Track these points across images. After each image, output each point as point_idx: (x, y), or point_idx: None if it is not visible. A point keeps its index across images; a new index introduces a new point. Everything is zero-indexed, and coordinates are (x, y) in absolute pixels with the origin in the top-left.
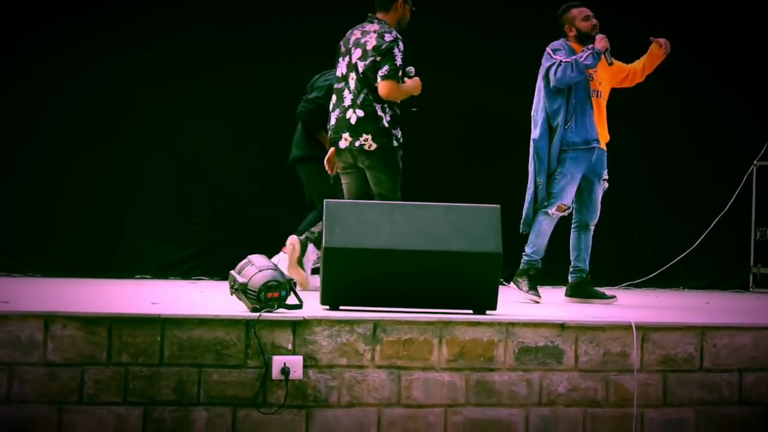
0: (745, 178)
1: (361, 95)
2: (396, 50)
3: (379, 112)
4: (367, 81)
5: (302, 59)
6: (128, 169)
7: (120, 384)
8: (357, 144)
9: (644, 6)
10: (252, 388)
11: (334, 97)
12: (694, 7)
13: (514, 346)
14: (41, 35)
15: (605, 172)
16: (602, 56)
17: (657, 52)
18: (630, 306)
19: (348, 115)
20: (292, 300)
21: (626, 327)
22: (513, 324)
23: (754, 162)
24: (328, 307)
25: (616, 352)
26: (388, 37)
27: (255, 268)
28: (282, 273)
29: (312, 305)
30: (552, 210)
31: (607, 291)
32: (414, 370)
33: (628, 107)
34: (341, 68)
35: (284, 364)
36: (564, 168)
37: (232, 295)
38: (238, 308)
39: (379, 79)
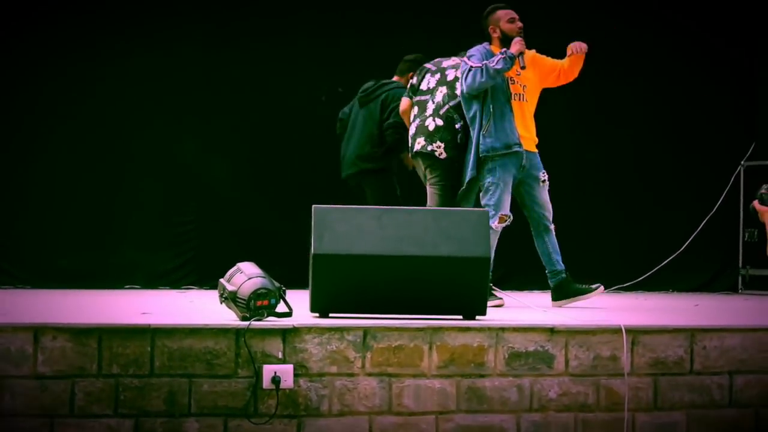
0: (732, 178)
1: (445, 107)
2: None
3: (457, 127)
4: (455, 97)
5: (295, 63)
6: (116, 178)
7: (111, 395)
8: (429, 148)
9: (635, 6)
10: (243, 397)
11: (416, 109)
12: (684, 6)
13: (504, 352)
14: (26, 39)
15: (541, 172)
16: (516, 60)
17: (574, 58)
18: (619, 309)
19: (427, 123)
20: (281, 308)
21: (616, 330)
22: (503, 329)
23: (742, 162)
24: (317, 314)
25: (606, 356)
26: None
27: (244, 276)
28: (272, 281)
29: (302, 313)
30: (495, 224)
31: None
32: (405, 378)
33: (615, 108)
34: (428, 83)
35: (275, 373)
36: (494, 177)
37: (221, 303)
38: (228, 317)
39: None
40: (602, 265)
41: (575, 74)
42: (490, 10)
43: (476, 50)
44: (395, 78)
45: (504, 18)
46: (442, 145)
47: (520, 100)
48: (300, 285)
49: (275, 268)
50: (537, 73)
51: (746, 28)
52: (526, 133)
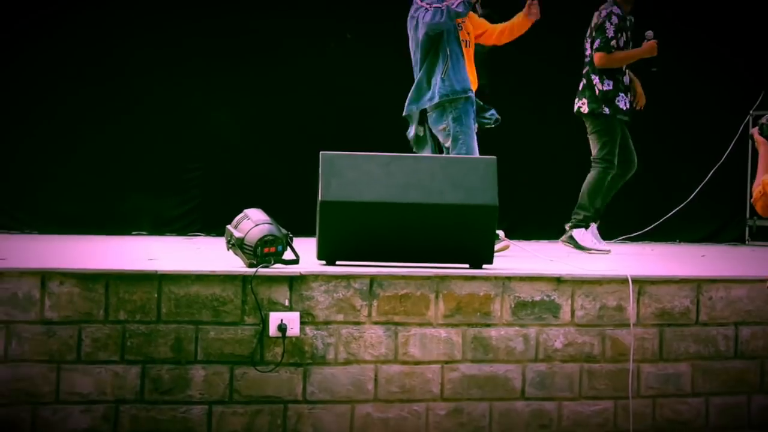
0: (741, 128)
1: (586, 67)
2: (608, 24)
3: (595, 81)
4: (588, 55)
5: (303, 10)
6: (123, 125)
7: (117, 342)
8: (575, 107)
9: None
10: (249, 345)
11: None
12: None
13: (510, 301)
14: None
15: (489, 113)
16: (474, 6)
17: (523, 21)
18: (626, 259)
19: (579, 84)
20: (289, 255)
21: (622, 280)
22: (509, 278)
23: (750, 112)
24: (324, 262)
25: (612, 306)
26: (603, 12)
27: (251, 223)
28: (279, 227)
29: (309, 260)
30: None
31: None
32: (411, 326)
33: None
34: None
35: (281, 320)
36: (461, 125)
37: (228, 250)
38: (234, 264)
39: (592, 52)
40: (610, 215)
41: (504, 41)
42: None
43: None
44: None
45: None
46: (585, 102)
47: (466, 46)
48: (307, 232)
49: (282, 215)
50: (473, 24)
51: None
52: (472, 77)
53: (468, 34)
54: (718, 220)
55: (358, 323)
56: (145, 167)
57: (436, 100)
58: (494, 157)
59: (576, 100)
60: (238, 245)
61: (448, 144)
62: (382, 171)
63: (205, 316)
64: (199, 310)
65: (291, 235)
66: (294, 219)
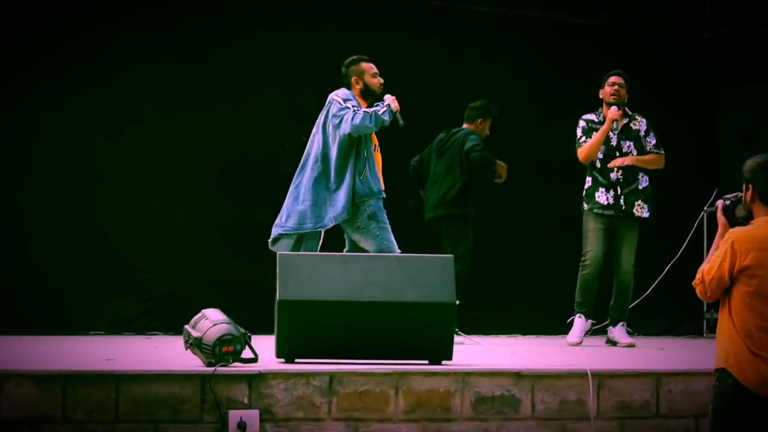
0: (696, 223)
1: None
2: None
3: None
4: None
5: (259, 110)
6: (79, 223)
7: None
8: None
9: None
10: None
11: None
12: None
13: (470, 396)
14: None
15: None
16: (395, 116)
17: None
18: (585, 353)
19: None
20: (247, 353)
21: (582, 374)
22: (469, 374)
23: (704, 208)
24: (283, 360)
25: (572, 400)
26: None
27: (209, 322)
28: (237, 326)
29: (267, 359)
30: None
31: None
32: (371, 422)
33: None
34: None
35: (240, 418)
36: (380, 221)
37: (187, 349)
38: (193, 363)
39: None
40: (569, 309)
41: None
42: (354, 60)
43: (350, 95)
44: (464, 125)
45: (369, 71)
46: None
47: (376, 150)
48: (265, 331)
49: (240, 314)
50: None
51: (710, 80)
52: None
53: (377, 138)
54: (676, 313)
55: (318, 420)
56: (102, 267)
57: (352, 201)
58: (451, 255)
59: None
60: (196, 345)
61: (362, 241)
62: (339, 270)
63: (164, 414)
64: (157, 409)
65: (249, 334)
66: (252, 317)
